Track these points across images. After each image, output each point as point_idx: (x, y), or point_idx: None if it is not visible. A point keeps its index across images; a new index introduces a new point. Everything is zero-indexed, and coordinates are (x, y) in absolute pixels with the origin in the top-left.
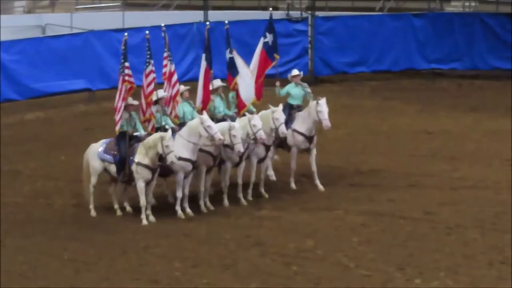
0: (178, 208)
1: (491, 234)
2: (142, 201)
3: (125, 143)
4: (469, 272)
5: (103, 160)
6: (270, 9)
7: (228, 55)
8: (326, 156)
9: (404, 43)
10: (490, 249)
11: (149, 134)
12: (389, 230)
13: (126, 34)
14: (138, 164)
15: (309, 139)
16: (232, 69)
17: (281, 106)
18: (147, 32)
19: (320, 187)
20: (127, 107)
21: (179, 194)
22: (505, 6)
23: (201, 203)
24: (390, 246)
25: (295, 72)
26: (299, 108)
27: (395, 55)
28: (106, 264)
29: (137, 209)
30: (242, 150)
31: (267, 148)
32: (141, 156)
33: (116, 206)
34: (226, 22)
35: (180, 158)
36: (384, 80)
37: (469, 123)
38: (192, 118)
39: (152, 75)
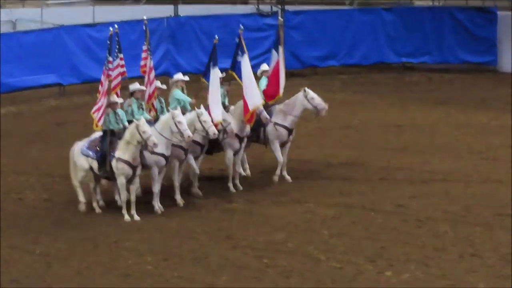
0: (155, 203)
1: (462, 227)
2: (123, 197)
3: (107, 139)
4: (440, 264)
5: (86, 156)
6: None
7: (239, 59)
8: (296, 150)
9: (374, 37)
10: (460, 241)
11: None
12: (360, 222)
13: (111, 28)
14: (118, 159)
15: (290, 132)
16: (237, 71)
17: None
18: (116, 26)
19: (287, 177)
20: (113, 105)
21: (155, 189)
22: (474, 0)
23: (177, 197)
24: (361, 238)
25: (264, 66)
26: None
27: (365, 49)
28: (78, 258)
29: (109, 204)
30: (216, 132)
31: (241, 140)
32: (121, 151)
33: (94, 204)
34: (242, 27)
35: (153, 153)
36: (354, 74)
37: (439, 117)
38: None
39: (120, 69)
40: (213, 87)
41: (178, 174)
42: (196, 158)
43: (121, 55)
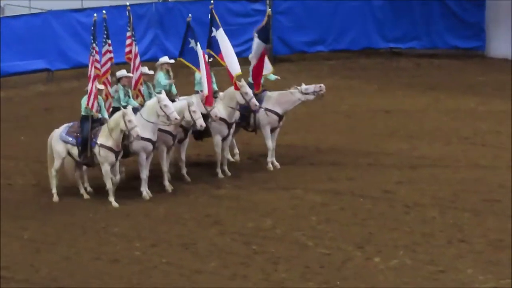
0: (143, 189)
1: (450, 213)
2: (109, 184)
3: (88, 125)
4: (428, 250)
5: (65, 142)
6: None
7: (213, 34)
8: (285, 135)
9: (363, 22)
10: (448, 227)
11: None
12: (348, 208)
13: (95, 14)
14: (101, 146)
15: (281, 118)
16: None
17: (243, 82)
18: (104, 12)
19: (276, 164)
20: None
21: (143, 175)
22: None
23: (166, 183)
24: (349, 224)
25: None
26: (262, 88)
27: (353, 34)
28: (66, 244)
29: (98, 190)
30: (204, 124)
31: (230, 125)
32: (103, 138)
33: (82, 190)
34: (212, 1)
35: (141, 138)
36: (343, 59)
37: (428, 102)
38: None
39: (109, 55)
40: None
41: (166, 159)
42: (168, 150)
43: (109, 41)
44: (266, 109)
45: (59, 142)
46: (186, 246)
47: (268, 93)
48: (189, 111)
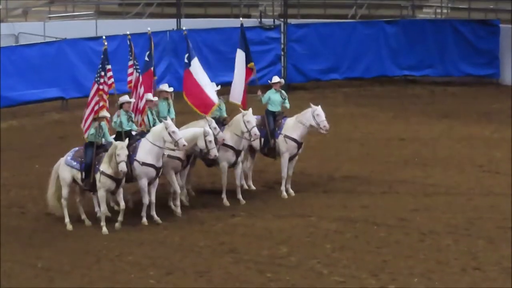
0: (143, 214)
1: (464, 240)
2: (103, 209)
3: (92, 151)
4: (443, 278)
5: (71, 167)
6: (240, 19)
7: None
8: (299, 163)
9: (377, 50)
10: (463, 255)
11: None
12: (363, 236)
13: (106, 43)
14: (102, 173)
15: (300, 145)
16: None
17: (251, 110)
18: (104, 38)
19: (291, 191)
20: (98, 118)
21: (144, 200)
22: (476, 12)
23: (177, 202)
24: (364, 252)
25: (275, 79)
26: (281, 114)
27: (367, 62)
28: (80, 272)
29: (111, 218)
30: (217, 154)
31: (237, 153)
32: (105, 165)
33: (83, 216)
34: (184, 28)
35: (143, 164)
36: (357, 87)
37: (442, 130)
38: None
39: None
40: (200, 79)
41: (176, 183)
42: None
43: (109, 67)
44: (286, 136)
45: (65, 167)
46: (200, 274)
47: (288, 120)
48: (205, 140)
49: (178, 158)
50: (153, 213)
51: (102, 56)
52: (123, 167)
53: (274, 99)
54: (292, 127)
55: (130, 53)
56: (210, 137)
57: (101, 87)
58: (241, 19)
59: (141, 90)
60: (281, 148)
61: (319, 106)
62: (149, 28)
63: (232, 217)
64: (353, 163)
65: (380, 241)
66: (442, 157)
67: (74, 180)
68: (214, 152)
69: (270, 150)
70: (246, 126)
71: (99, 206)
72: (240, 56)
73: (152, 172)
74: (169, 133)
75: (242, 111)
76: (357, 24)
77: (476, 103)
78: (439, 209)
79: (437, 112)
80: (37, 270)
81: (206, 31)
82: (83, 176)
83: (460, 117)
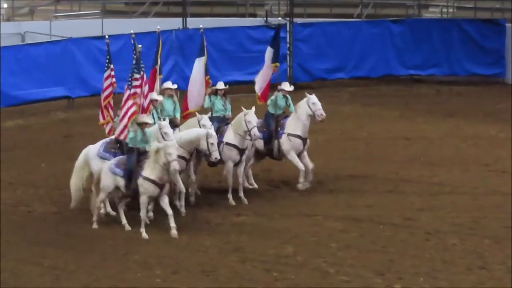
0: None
1: (470, 239)
2: (143, 214)
3: (134, 157)
4: (448, 277)
5: (115, 175)
6: (278, 22)
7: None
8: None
9: (382, 49)
10: (468, 254)
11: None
12: (368, 235)
13: (140, 46)
14: (145, 178)
15: (304, 140)
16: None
17: (253, 109)
18: (107, 37)
19: (307, 185)
20: (142, 125)
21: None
22: (482, 12)
23: (181, 203)
24: (370, 251)
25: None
26: (282, 115)
27: (373, 61)
28: (86, 271)
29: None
30: (219, 157)
31: (241, 151)
32: (148, 170)
33: (124, 221)
34: (201, 26)
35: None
36: (363, 86)
37: (447, 129)
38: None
39: (110, 80)
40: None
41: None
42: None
43: (112, 66)
44: (289, 134)
45: (109, 175)
46: (206, 273)
47: (289, 118)
48: (207, 142)
49: (183, 157)
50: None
51: (135, 57)
52: (175, 165)
53: (280, 104)
54: (293, 124)
55: (134, 53)
56: (213, 140)
57: (133, 90)
58: (279, 18)
59: (145, 88)
60: (285, 147)
61: (313, 95)
62: (158, 27)
63: (238, 216)
64: (359, 162)
65: (386, 240)
66: (447, 156)
67: (117, 188)
68: (215, 154)
69: (271, 151)
70: (246, 126)
71: (117, 213)
72: (269, 52)
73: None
74: (161, 134)
75: (244, 110)
76: (363, 23)
77: (481, 102)
78: (445, 208)
79: (442, 111)
80: (43, 269)
81: (212, 30)
82: (126, 183)
83: (466, 116)
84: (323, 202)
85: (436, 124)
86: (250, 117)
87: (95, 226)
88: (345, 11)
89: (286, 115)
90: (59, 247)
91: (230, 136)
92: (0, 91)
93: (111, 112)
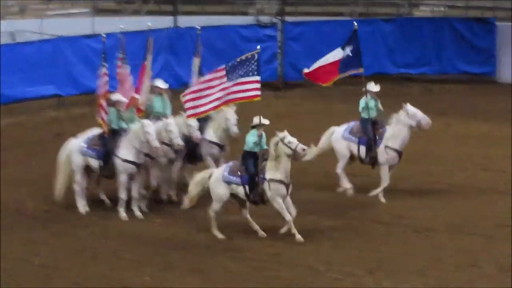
0: (121, 209)
1: (461, 238)
2: (124, 195)
3: (254, 161)
4: (438, 275)
5: (230, 183)
6: (355, 23)
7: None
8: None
9: (374, 48)
10: (459, 252)
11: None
12: (360, 234)
13: (104, 36)
14: (271, 180)
15: (400, 154)
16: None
17: (234, 107)
18: (103, 35)
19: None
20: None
21: (122, 195)
22: (474, 10)
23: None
24: (361, 250)
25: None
26: (381, 123)
27: (364, 60)
28: (77, 269)
29: (111, 215)
30: (180, 143)
31: (222, 147)
32: (271, 172)
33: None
34: (199, 27)
35: (125, 160)
36: (354, 85)
37: (439, 127)
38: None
39: (105, 78)
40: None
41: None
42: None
43: (106, 65)
44: (387, 147)
45: (221, 184)
46: (198, 271)
47: (387, 128)
48: (166, 132)
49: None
50: (135, 208)
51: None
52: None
53: (372, 105)
54: (392, 135)
55: (121, 50)
56: (170, 127)
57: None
58: (355, 23)
59: (127, 84)
60: (381, 159)
61: (408, 104)
62: (149, 23)
63: (229, 214)
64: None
65: (377, 239)
66: (439, 154)
67: (232, 195)
68: (177, 141)
69: (372, 159)
70: (225, 123)
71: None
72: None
73: (133, 169)
74: (144, 133)
75: (227, 107)
76: (354, 22)
77: (473, 101)
78: (436, 206)
79: (434, 109)
80: (34, 267)
81: (203, 29)
82: (248, 190)
83: (457, 114)
84: (315, 200)
85: None
86: (229, 115)
87: (82, 210)
88: (336, 10)
89: (384, 123)
90: (50, 245)
91: (210, 133)
92: None
93: (103, 113)
